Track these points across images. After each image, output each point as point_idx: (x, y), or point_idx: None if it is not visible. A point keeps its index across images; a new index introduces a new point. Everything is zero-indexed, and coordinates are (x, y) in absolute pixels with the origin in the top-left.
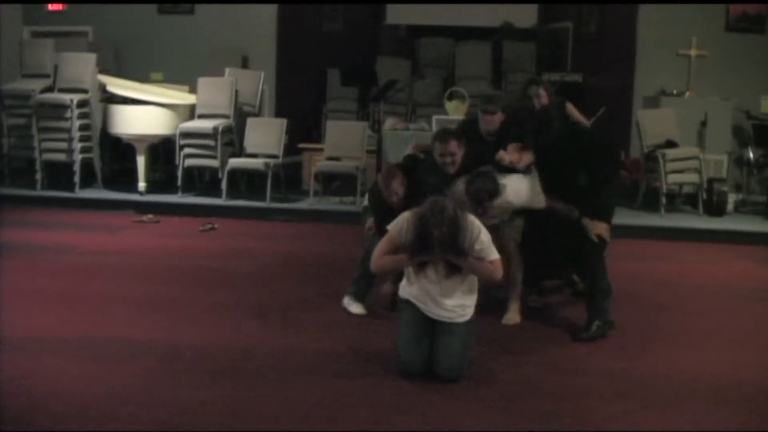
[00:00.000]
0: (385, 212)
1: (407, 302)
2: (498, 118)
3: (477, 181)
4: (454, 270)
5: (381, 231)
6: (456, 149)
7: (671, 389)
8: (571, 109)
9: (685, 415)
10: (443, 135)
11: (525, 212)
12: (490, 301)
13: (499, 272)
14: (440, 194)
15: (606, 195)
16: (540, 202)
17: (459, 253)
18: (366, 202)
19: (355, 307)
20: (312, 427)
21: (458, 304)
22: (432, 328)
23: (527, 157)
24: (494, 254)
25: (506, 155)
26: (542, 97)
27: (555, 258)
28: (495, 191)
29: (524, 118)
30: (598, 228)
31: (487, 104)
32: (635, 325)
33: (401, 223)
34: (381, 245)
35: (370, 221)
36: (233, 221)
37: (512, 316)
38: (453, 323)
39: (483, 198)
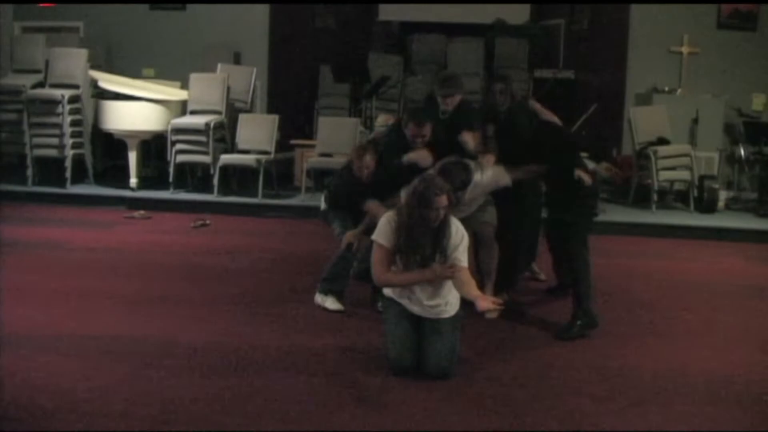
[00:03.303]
0: (356, 193)
1: (391, 300)
2: (456, 99)
3: (449, 171)
4: (430, 260)
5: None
6: (428, 132)
7: (662, 386)
8: (536, 106)
9: (676, 412)
10: (419, 117)
11: (496, 202)
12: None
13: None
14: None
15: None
16: (505, 179)
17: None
18: (324, 205)
19: (331, 303)
20: (303, 424)
21: (441, 300)
22: (418, 324)
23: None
24: (464, 262)
25: (470, 138)
26: (506, 94)
27: (523, 246)
28: (467, 180)
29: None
30: (579, 172)
31: (447, 86)
32: (626, 321)
33: (384, 228)
34: (376, 257)
35: (348, 238)
36: (225, 217)
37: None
38: (439, 319)
39: (456, 187)
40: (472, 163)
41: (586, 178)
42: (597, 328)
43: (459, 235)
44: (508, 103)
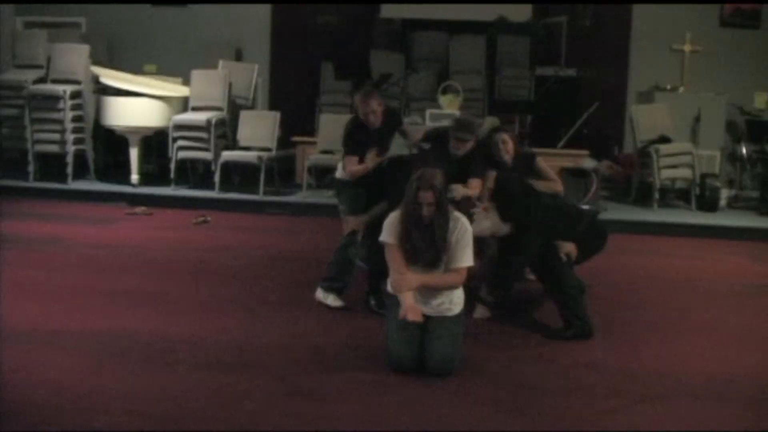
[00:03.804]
0: (363, 140)
1: (395, 297)
2: (469, 145)
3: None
4: (436, 259)
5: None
6: (377, 107)
7: (663, 385)
8: (542, 165)
9: (678, 411)
10: (367, 92)
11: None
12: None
13: (461, 281)
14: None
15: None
16: (503, 229)
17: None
18: (338, 173)
19: (332, 300)
20: (302, 422)
21: (445, 298)
22: (422, 323)
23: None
24: (467, 261)
25: (461, 190)
26: (508, 144)
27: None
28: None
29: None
30: (566, 247)
31: (461, 131)
32: (627, 319)
33: (392, 227)
34: (391, 260)
35: (352, 222)
36: (226, 214)
37: (483, 310)
38: (442, 318)
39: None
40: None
41: (573, 253)
42: (591, 337)
43: (459, 232)
44: (511, 154)
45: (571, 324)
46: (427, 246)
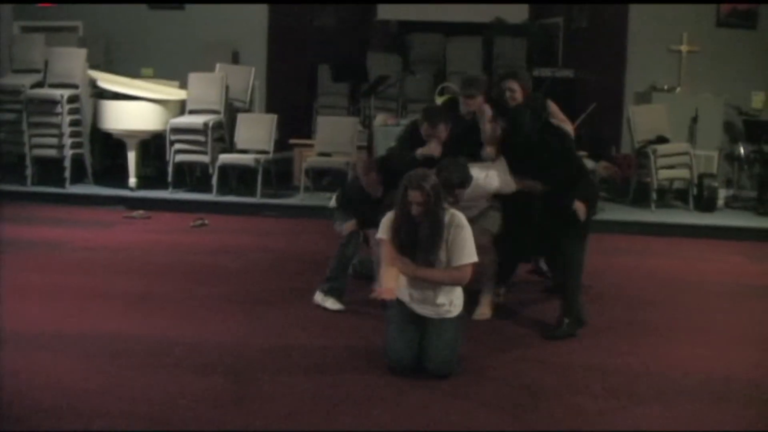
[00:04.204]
0: (365, 204)
1: (395, 299)
2: (479, 100)
3: (447, 170)
4: (434, 258)
5: (363, 226)
6: (443, 132)
7: (662, 385)
8: (554, 108)
9: (676, 411)
10: (433, 118)
11: (501, 204)
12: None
13: (465, 278)
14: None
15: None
16: (509, 186)
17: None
18: (333, 203)
19: (331, 303)
20: (301, 423)
21: (445, 300)
22: (420, 324)
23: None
24: (468, 258)
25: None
26: (516, 92)
27: (525, 242)
28: (465, 179)
29: (502, 105)
30: (578, 206)
31: (469, 87)
32: (625, 320)
33: (387, 225)
34: (383, 255)
35: (350, 225)
36: (224, 217)
37: (483, 310)
38: (442, 319)
39: (453, 185)
40: (476, 165)
41: (581, 212)
42: (585, 326)
43: (455, 230)
44: (519, 101)
45: (566, 313)
46: (421, 246)
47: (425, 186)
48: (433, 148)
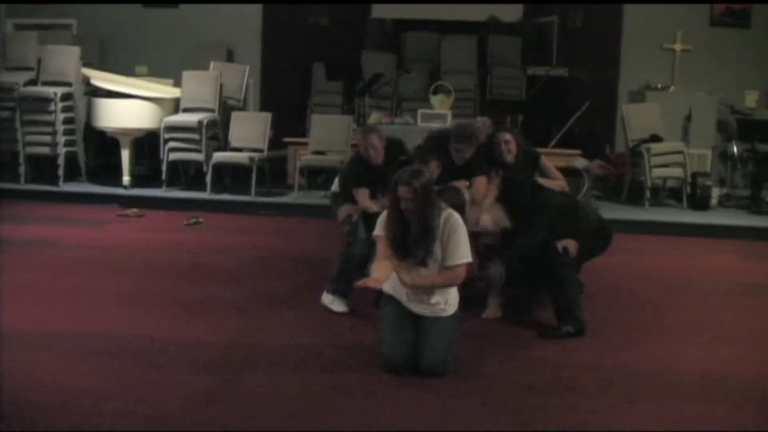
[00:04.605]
0: (366, 176)
1: (390, 297)
2: (469, 152)
3: (440, 194)
4: (429, 256)
5: (365, 214)
6: (434, 169)
7: (656, 384)
8: (547, 164)
9: (670, 410)
10: (426, 156)
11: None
12: (471, 296)
13: (458, 278)
14: None
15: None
16: (505, 222)
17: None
18: (335, 187)
19: (338, 305)
20: (295, 423)
21: (440, 298)
22: (415, 323)
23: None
24: (461, 258)
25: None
26: (511, 143)
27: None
28: (459, 203)
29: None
30: (565, 241)
31: (460, 142)
32: (619, 319)
33: (383, 221)
34: (379, 250)
35: (344, 209)
36: (218, 215)
37: (493, 310)
38: (437, 318)
39: None
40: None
41: (573, 249)
42: (585, 335)
43: (450, 229)
44: (515, 153)
45: (567, 322)
46: (415, 244)
47: (414, 183)
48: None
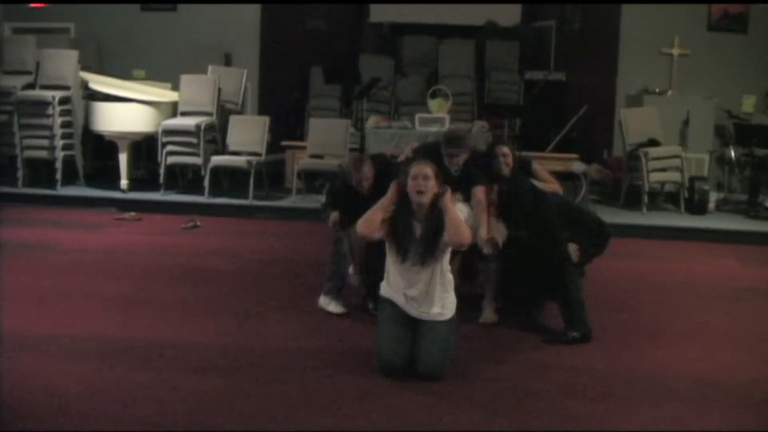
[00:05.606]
0: (352, 203)
1: (387, 301)
2: (463, 157)
3: None
4: (430, 255)
5: (345, 226)
6: (369, 174)
7: (653, 388)
8: (538, 169)
9: (666, 414)
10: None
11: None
12: (465, 300)
13: (468, 236)
14: None
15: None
16: (502, 235)
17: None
18: (324, 198)
19: (334, 306)
20: (292, 425)
21: (438, 301)
22: (413, 326)
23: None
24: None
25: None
26: (509, 156)
27: (530, 285)
28: None
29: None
30: (570, 247)
31: (452, 147)
32: (616, 323)
33: (381, 201)
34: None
35: (334, 215)
36: (216, 219)
37: (489, 315)
38: (434, 322)
39: None
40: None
41: (575, 254)
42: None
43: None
44: (511, 166)
45: (573, 327)
46: (419, 242)
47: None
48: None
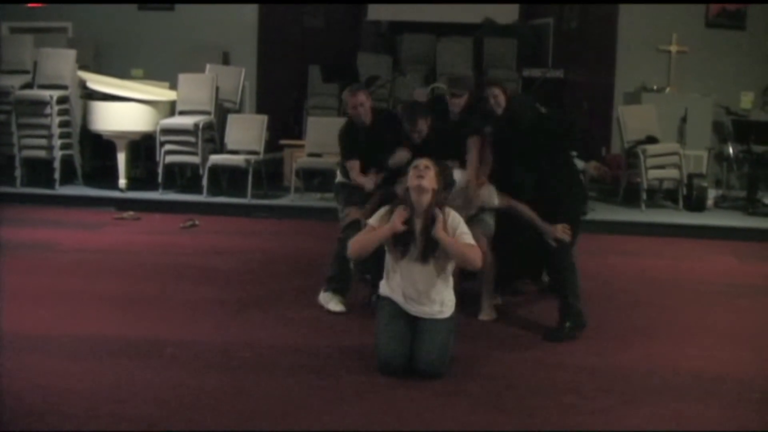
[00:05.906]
0: (358, 142)
1: (387, 299)
2: (463, 100)
3: None
4: (430, 252)
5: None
6: (424, 127)
7: (652, 384)
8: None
9: (667, 410)
10: (412, 115)
11: (494, 211)
12: (465, 297)
13: (478, 258)
14: None
15: (568, 201)
16: (493, 201)
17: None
18: (339, 178)
19: (334, 304)
20: (293, 424)
21: (437, 299)
22: (412, 324)
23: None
24: (474, 243)
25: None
26: (499, 96)
27: (523, 257)
28: (449, 183)
29: (487, 111)
30: (555, 231)
31: (454, 86)
32: (616, 320)
33: (382, 214)
34: (360, 234)
35: (353, 213)
36: (214, 218)
37: (487, 312)
38: (433, 320)
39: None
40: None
41: (565, 235)
42: (586, 327)
43: (454, 222)
44: (504, 106)
45: (567, 317)
46: (419, 240)
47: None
48: (401, 156)
